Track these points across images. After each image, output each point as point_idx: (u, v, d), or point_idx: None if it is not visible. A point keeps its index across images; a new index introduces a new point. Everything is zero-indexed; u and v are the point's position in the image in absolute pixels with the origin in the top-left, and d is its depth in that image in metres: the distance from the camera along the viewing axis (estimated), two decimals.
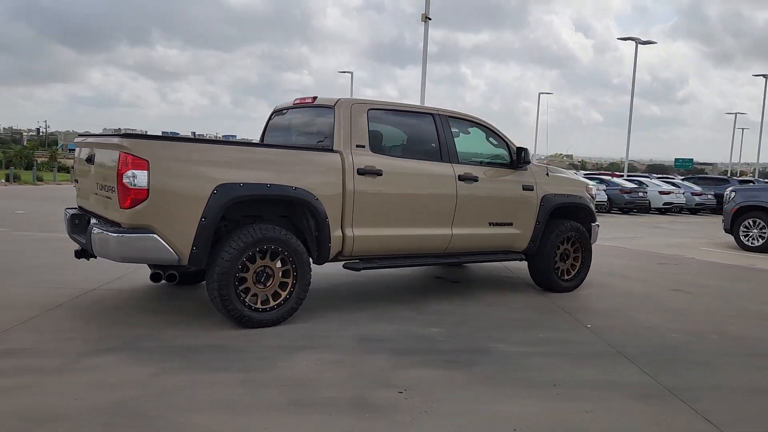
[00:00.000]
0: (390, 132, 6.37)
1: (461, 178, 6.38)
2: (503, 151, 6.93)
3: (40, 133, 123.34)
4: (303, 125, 6.61)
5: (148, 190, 4.74)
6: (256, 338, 4.96)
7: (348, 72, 41.27)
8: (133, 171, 4.71)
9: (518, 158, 6.79)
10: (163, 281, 5.33)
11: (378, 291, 7.04)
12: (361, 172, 5.73)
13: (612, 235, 14.81)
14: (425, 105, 6.65)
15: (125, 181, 4.73)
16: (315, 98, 6.24)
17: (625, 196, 25.92)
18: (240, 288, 5.12)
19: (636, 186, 27.07)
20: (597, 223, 7.78)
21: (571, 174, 8.08)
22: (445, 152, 6.39)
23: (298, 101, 6.51)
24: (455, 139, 6.59)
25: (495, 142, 6.94)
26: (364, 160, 5.78)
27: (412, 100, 29.93)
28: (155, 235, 4.81)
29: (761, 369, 4.86)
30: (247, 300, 5.16)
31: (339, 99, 5.97)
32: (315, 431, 3.37)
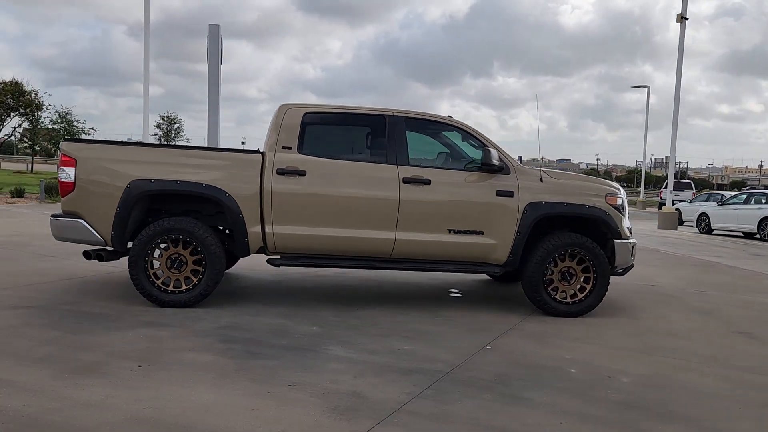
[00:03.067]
0: (329, 135, 6.43)
1: (407, 180, 6.11)
2: (479, 155, 6.35)
3: None
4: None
5: (74, 183, 5.84)
6: (146, 313, 5.62)
7: (644, 86, 38.43)
8: (65, 168, 5.87)
9: (484, 160, 6.16)
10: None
11: (329, 292, 7.01)
12: (281, 172, 5.99)
13: None
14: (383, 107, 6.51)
15: (60, 175, 5.91)
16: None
17: None
18: (152, 271, 5.88)
19: None
20: (628, 240, 6.47)
21: (588, 181, 6.84)
22: (391, 154, 6.20)
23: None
24: (411, 140, 6.33)
25: (472, 145, 6.41)
26: (287, 160, 6.03)
27: None
28: (81, 221, 5.87)
29: None
30: (158, 282, 5.89)
31: (282, 104, 6.34)
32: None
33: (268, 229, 6.02)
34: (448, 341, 5.26)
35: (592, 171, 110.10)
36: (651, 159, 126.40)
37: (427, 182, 6.15)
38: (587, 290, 6.36)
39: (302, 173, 6.01)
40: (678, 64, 21.14)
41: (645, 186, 41.50)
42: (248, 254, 6.14)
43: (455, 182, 6.25)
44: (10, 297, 6.06)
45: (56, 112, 25.89)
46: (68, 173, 5.85)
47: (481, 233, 6.24)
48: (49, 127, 25.64)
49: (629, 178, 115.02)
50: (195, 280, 5.93)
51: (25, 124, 23.80)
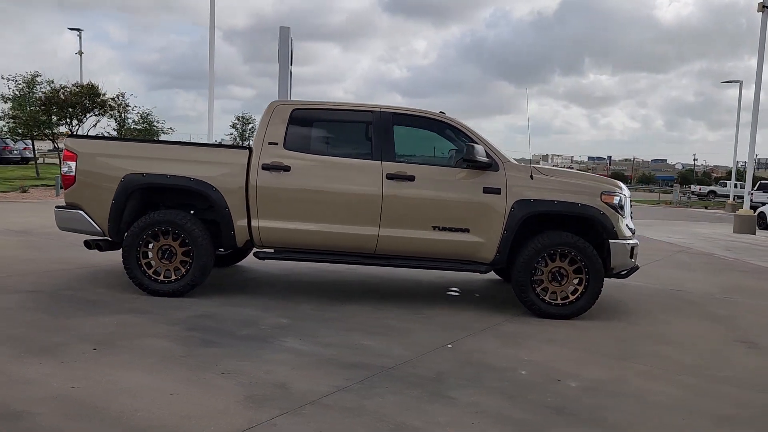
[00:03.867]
0: (315, 131, 6.49)
1: (391, 176, 6.09)
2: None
3: None
4: None
5: (75, 176, 6.21)
6: (135, 301, 5.90)
7: (736, 81, 36.00)
8: (67, 162, 6.25)
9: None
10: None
11: (326, 287, 7.03)
12: (266, 167, 6.12)
13: None
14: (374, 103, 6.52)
15: (63, 169, 6.30)
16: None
17: None
18: (145, 261, 6.16)
19: None
20: (626, 241, 6.16)
21: (584, 179, 6.52)
22: (376, 150, 6.20)
23: None
24: (401, 137, 6.31)
25: (462, 141, 6.30)
26: (272, 156, 6.15)
27: None
28: (81, 212, 6.23)
29: None
30: (149, 272, 6.16)
31: (273, 101, 6.47)
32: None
33: (253, 223, 6.16)
34: (412, 338, 5.22)
35: (688, 172, 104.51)
36: (755, 159, 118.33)
37: (411, 178, 6.11)
38: (579, 292, 6.12)
39: (287, 169, 6.12)
40: (759, 57, 19.79)
41: (737, 187, 38.95)
42: (235, 247, 6.31)
43: (440, 179, 6.17)
44: (23, 282, 6.50)
45: (138, 113, 27.41)
46: (70, 167, 6.22)
47: (467, 231, 6.13)
48: (133, 127, 27.21)
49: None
50: (183, 270, 6.16)
51: (113, 125, 25.40)
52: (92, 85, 21.27)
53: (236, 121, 39.74)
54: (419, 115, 6.40)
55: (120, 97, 23.12)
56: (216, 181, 6.12)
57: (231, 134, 39.80)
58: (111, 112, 23.26)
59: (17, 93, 22.32)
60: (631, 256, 6.25)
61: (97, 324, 5.13)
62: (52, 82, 22.45)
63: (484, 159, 6.05)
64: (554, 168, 6.85)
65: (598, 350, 5.16)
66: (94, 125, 21.93)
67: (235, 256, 7.95)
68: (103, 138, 7.39)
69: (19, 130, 22.30)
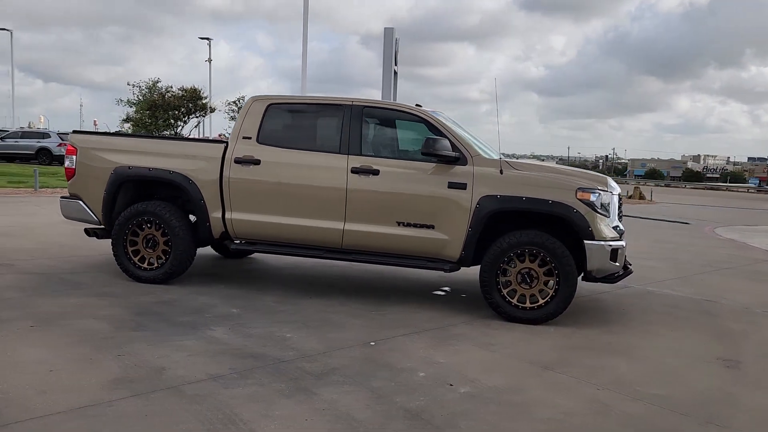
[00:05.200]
0: (288, 125, 6.51)
1: (355, 170, 6.02)
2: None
3: (608, 160, 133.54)
4: None
5: (75, 169, 6.73)
6: (115, 285, 6.29)
7: None
8: (69, 156, 6.79)
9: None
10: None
11: (313, 281, 6.99)
12: (238, 161, 6.28)
13: None
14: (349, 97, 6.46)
15: (66, 162, 6.85)
16: None
17: None
18: (132, 249, 6.54)
19: None
20: (605, 243, 5.63)
21: (562, 173, 5.98)
22: (344, 144, 6.14)
23: None
24: (372, 130, 6.23)
25: (433, 134, 6.07)
26: (244, 150, 6.30)
27: None
28: (80, 202, 6.74)
29: None
30: (135, 259, 6.54)
31: (252, 96, 6.62)
32: None
33: (227, 215, 6.35)
34: (341, 333, 5.14)
35: None
36: None
37: (376, 172, 6.00)
38: (549, 296, 5.69)
39: (257, 162, 6.24)
40: None
41: None
42: (212, 238, 6.52)
43: (405, 173, 6.00)
44: (39, 265, 7.15)
45: None
46: (71, 160, 6.76)
47: (431, 227, 5.92)
48: None
49: None
50: (164, 259, 6.48)
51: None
52: (195, 89, 22.86)
53: None
54: (389, 108, 6.29)
55: (240, 101, 24.60)
56: (192, 174, 6.37)
57: None
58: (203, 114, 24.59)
59: (140, 98, 24.45)
60: (614, 260, 5.71)
61: (57, 304, 5.54)
62: (171, 87, 24.41)
63: (446, 152, 5.80)
64: (529, 162, 6.42)
65: (528, 357, 4.78)
66: (196, 126, 23.55)
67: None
68: (100, 134, 7.93)
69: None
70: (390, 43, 21.06)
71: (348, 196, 6.04)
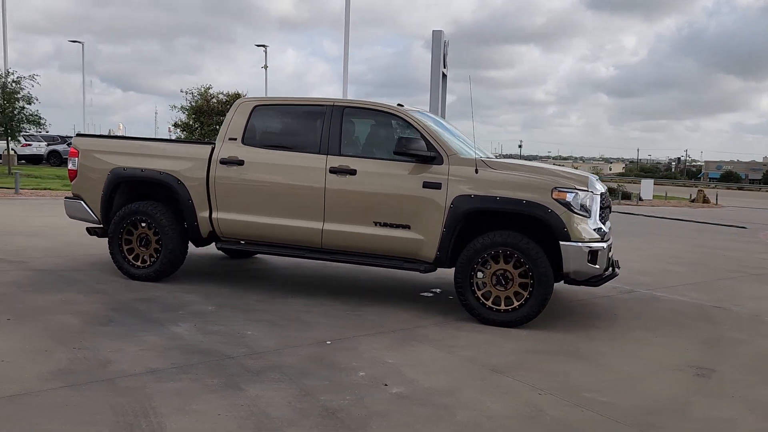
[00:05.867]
0: (272, 126, 6.57)
1: (333, 170, 6.03)
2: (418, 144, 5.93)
3: (680, 163, 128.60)
4: None
5: (77, 170, 7.03)
6: (109, 282, 6.53)
7: None
8: (72, 158, 7.09)
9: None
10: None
11: (305, 281, 7.01)
12: (223, 161, 6.41)
13: None
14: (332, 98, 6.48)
15: (69, 164, 7.16)
16: None
17: None
18: (127, 247, 6.77)
19: None
20: (583, 244, 5.42)
21: (539, 173, 5.76)
22: (324, 144, 6.16)
23: None
24: (353, 131, 6.25)
25: (410, 135, 6.01)
26: (230, 151, 6.42)
27: None
28: (81, 202, 7.03)
29: None
30: (129, 257, 6.76)
31: (238, 99, 6.75)
32: None
33: (213, 215, 6.49)
34: (303, 332, 5.15)
35: None
36: None
37: (353, 172, 6.00)
38: (524, 298, 5.53)
39: (241, 163, 6.35)
40: None
41: None
42: (201, 238, 6.66)
43: (381, 172, 5.97)
44: (45, 262, 7.48)
45: None
46: (74, 162, 7.06)
47: (408, 227, 5.87)
48: None
49: None
50: (156, 257, 6.67)
51: None
52: (238, 94, 23.41)
53: None
54: (368, 108, 6.27)
55: None
56: (181, 175, 6.54)
57: None
58: None
59: (192, 104, 25.24)
60: (593, 262, 5.49)
61: (44, 299, 5.79)
62: (221, 93, 25.11)
63: (419, 152, 5.74)
64: (508, 161, 6.24)
65: (483, 360, 4.65)
66: None
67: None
68: (101, 137, 8.23)
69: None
70: (438, 46, 21.01)
71: (326, 195, 6.06)
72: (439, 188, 5.75)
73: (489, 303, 5.63)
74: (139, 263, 6.74)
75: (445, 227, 5.71)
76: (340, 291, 6.75)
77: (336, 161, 6.07)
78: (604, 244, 5.63)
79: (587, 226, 5.55)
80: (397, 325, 5.51)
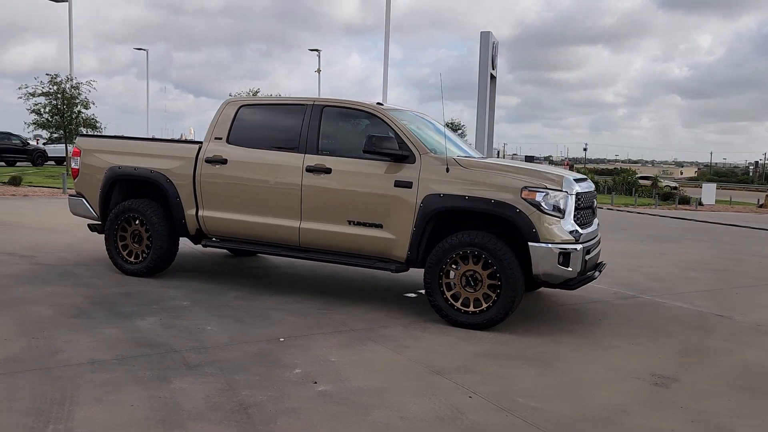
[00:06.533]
0: (256, 126, 6.60)
1: (310, 169, 6.05)
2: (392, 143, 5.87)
3: (758, 167, 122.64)
4: None
5: (79, 169, 7.31)
6: (101, 276, 6.76)
7: None
8: (75, 157, 7.38)
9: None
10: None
11: (299, 282, 7.02)
12: (208, 160, 6.54)
13: None
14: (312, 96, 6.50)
15: (72, 162, 7.45)
16: None
17: None
18: (122, 243, 6.99)
19: None
20: (554, 246, 5.23)
21: (511, 172, 5.55)
22: (303, 142, 6.20)
23: None
24: (332, 129, 6.27)
25: (382, 134, 5.95)
26: (215, 150, 6.54)
27: None
28: (83, 199, 7.31)
29: None
30: (123, 253, 6.98)
31: (226, 99, 6.87)
32: None
33: (199, 212, 6.62)
34: (261, 329, 5.18)
35: None
36: None
37: (328, 171, 6.00)
38: (492, 300, 5.39)
39: (224, 162, 6.46)
40: None
41: None
42: (188, 234, 6.80)
43: (355, 171, 5.94)
44: (53, 257, 7.80)
45: None
46: (76, 161, 7.35)
47: (380, 226, 5.82)
48: None
49: None
50: (147, 253, 6.86)
51: None
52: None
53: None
54: (347, 107, 6.25)
55: None
56: (169, 173, 6.71)
57: None
58: None
59: None
60: (564, 264, 5.29)
61: (33, 291, 6.04)
62: (257, 91, 25.68)
63: (389, 150, 5.69)
64: (479, 160, 6.06)
65: (430, 362, 4.55)
66: None
67: None
68: (101, 137, 8.51)
69: None
70: (486, 47, 20.78)
71: (302, 194, 6.09)
72: (410, 187, 5.68)
73: (458, 304, 5.51)
74: (132, 259, 6.95)
75: (415, 227, 5.63)
76: (322, 290, 6.75)
77: (313, 160, 6.09)
78: (578, 246, 5.41)
79: (560, 227, 5.36)
80: (362, 324, 5.47)
